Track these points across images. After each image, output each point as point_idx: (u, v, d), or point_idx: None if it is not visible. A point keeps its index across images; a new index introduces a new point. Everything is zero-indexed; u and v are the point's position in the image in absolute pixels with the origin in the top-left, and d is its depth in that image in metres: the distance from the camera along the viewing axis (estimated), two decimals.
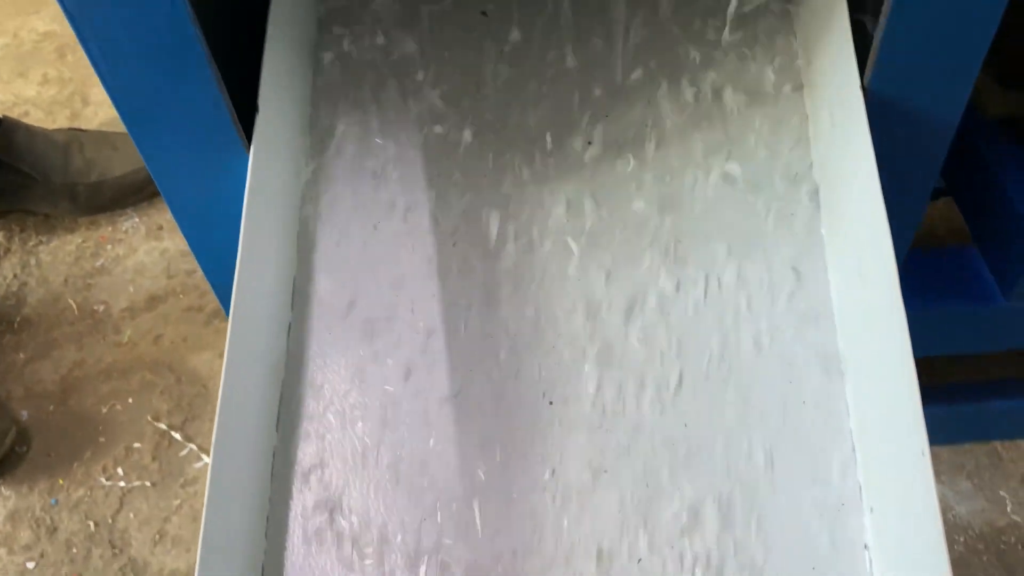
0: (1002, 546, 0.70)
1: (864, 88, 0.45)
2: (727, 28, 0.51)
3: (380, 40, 0.52)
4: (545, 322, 0.45)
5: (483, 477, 0.42)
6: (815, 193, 0.48)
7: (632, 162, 0.48)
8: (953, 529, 0.71)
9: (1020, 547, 0.69)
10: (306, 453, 0.43)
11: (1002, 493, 0.72)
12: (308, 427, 0.43)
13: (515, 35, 0.52)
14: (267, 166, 0.45)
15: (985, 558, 0.69)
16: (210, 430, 0.83)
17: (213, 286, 0.53)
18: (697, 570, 0.39)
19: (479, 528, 0.41)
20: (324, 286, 0.46)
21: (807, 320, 0.44)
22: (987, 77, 0.64)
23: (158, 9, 0.39)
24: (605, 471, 0.42)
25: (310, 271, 0.47)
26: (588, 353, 0.44)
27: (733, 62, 0.51)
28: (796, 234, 0.46)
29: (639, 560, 0.40)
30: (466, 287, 0.46)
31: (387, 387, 0.44)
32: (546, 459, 0.42)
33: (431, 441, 0.43)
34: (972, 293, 0.61)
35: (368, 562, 0.41)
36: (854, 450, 0.41)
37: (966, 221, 0.65)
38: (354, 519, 0.41)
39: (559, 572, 0.40)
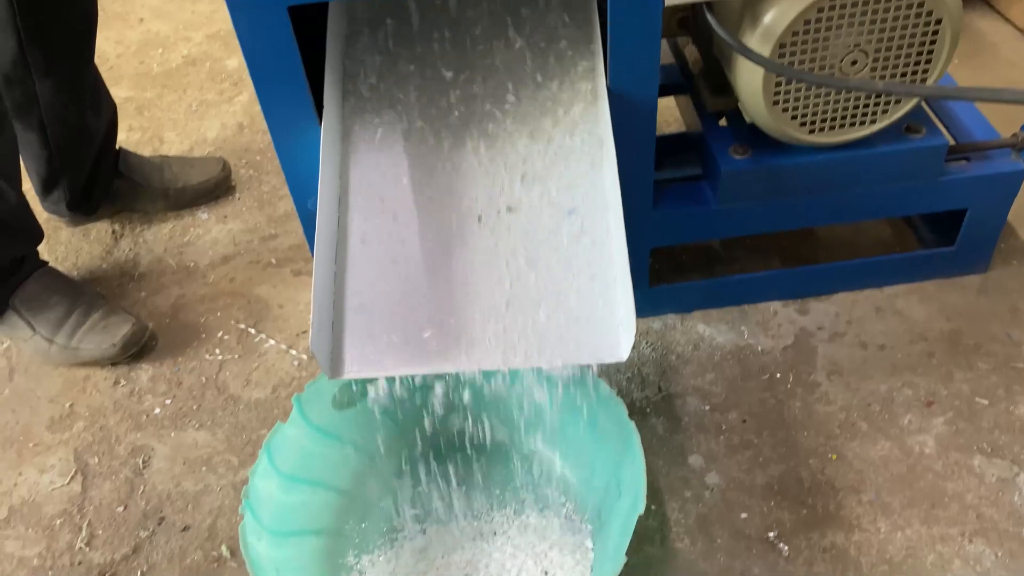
0: (741, 356, 1.21)
1: (608, 87, 0.97)
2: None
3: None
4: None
5: None
6: (600, 144, 1.00)
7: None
8: (714, 349, 1.22)
9: (751, 355, 1.20)
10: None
11: (743, 328, 1.24)
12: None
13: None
14: (328, 134, 0.97)
15: (731, 362, 1.20)
16: (273, 328, 1.32)
17: (294, 198, 1.04)
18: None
19: None
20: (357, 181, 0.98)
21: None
22: (707, 88, 1.18)
23: (282, 51, 0.91)
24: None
25: (347, 175, 0.98)
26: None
27: (557, 85, 1.03)
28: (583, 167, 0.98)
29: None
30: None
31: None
32: None
33: None
34: (700, 200, 1.14)
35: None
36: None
37: (701, 166, 1.18)
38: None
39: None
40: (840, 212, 1.16)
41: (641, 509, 0.87)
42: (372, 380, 0.97)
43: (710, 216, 1.14)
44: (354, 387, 1.04)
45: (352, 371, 0.93)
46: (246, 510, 0.93)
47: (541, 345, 0.91)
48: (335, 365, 0.94)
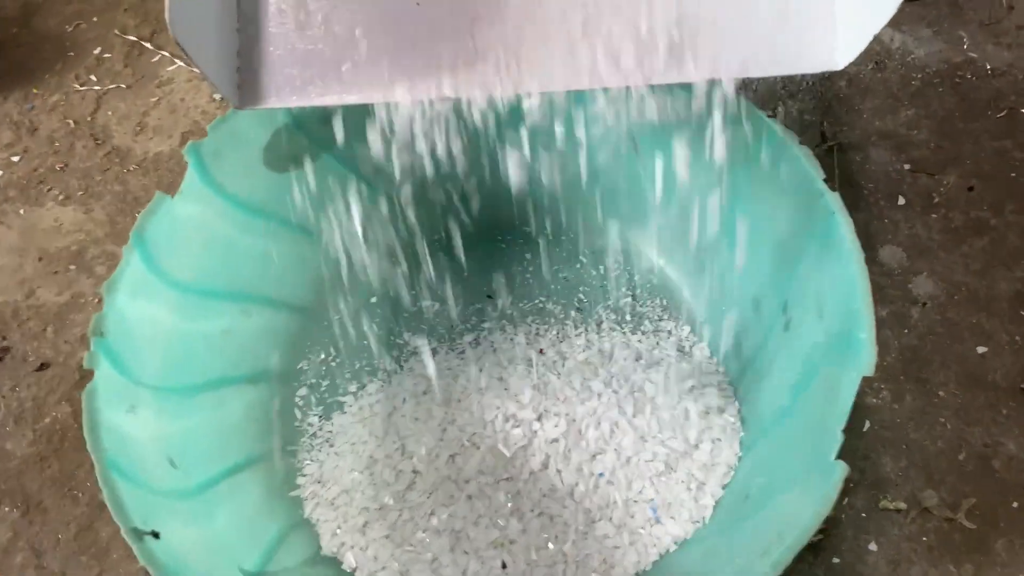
0: (956, 79, 0.73)
1: None
2: None
3: None
4: None
5: None
6: None
7: None
8: (912, 69, 0.73)
9: (973, 78, 0.72)
10: None
11: (960, 33, 0.74)
12: None
13: None
14: None
15: (941, 90, 0.72)
16: None
17: None
18: None
19: None
20: None
21: None
22: None
23: None
24: None
25: None
26: None
27: None
28: None
29: None
30: None
31: None
32: None
33: None
34: None
35: None
36: None
37: None
38: None
39: None
40: None
41: (870, 367, 0.44)
42: (328, 111, 0.50)
43: None
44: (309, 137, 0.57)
45: (276, 95, 0.47)
46: (97, 355, 0.50)
47: (663, 46, 0.44)
48: (246, 83, 0.48)
